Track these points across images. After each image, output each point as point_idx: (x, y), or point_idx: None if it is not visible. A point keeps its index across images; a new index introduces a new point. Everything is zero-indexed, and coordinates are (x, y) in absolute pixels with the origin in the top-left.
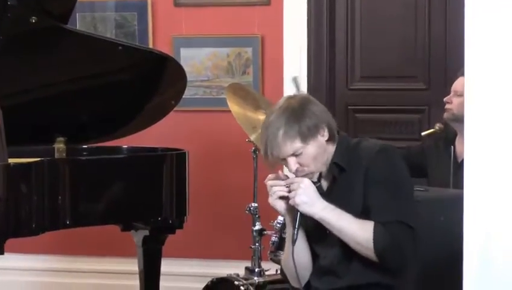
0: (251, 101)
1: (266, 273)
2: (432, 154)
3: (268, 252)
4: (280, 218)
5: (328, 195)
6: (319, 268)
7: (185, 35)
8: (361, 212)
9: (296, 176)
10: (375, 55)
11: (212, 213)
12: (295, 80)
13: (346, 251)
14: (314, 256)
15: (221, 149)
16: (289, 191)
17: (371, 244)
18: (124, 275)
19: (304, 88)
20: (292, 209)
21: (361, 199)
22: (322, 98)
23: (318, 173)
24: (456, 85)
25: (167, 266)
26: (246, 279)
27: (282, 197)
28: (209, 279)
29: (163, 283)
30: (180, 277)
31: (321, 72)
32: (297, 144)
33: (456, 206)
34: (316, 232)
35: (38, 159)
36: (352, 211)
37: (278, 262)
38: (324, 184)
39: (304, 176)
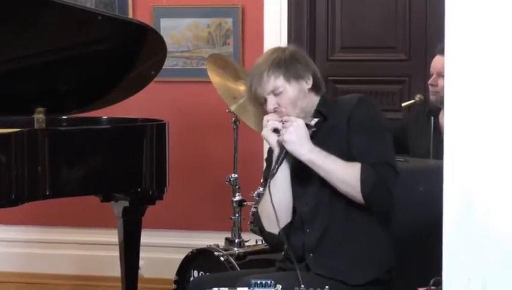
0: (231, 72)
1: (246, 244)
2: (413, 127)
3: (248, 223)
4: (260, 189)
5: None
6: (297, 219)
7: (165, 5)
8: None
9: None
10: (355, 26)
11: (192, 184)
12: None
13: (324, 201)
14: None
15: (202, 120)
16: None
17: (358, 183)
18: (103, 246)
19: None
20: (282, 146)
21: (344, 147)
22: None
23: (317, 119)
24: (436, 66)
25: (147, 237)
26: (225, 250)
27: (275, 131)
28: (189, 250)
29: (143, 254)
30: (160, 248)
31: (301, 43)
32: (279, 82)
33: (435, 177)
34: (296, 181)
35: (18, 129)
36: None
37: (257, 233)
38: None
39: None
